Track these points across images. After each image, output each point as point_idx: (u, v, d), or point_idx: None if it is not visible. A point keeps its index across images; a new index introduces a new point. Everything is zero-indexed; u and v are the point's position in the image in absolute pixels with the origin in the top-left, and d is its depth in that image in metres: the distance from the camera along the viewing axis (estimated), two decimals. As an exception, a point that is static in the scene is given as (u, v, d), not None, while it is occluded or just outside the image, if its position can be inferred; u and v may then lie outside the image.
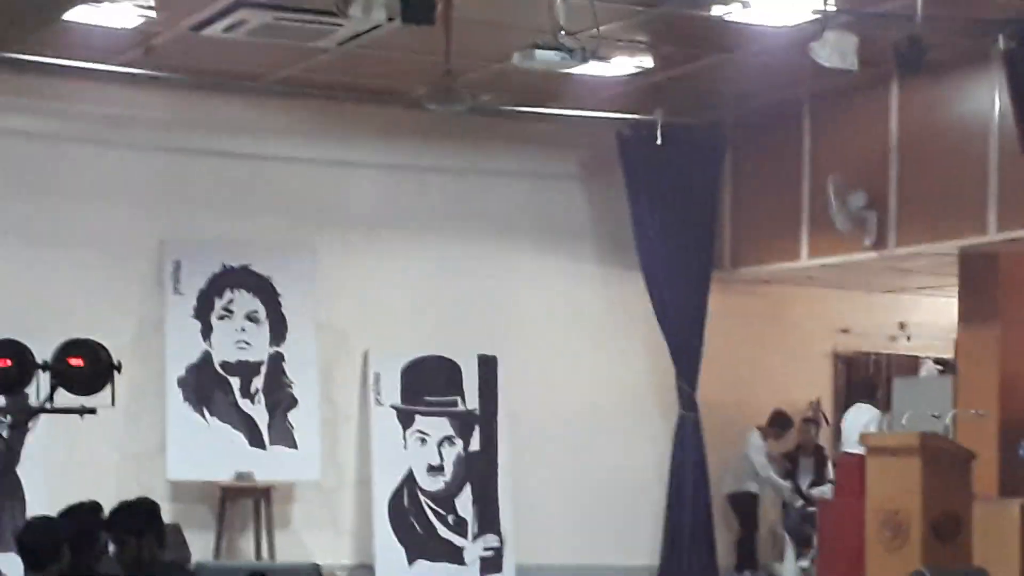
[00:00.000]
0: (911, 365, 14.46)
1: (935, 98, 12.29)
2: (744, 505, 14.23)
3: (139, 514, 7.14)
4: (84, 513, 7.21)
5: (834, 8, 10.08)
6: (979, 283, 12.68)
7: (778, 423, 14.13)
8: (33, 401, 8.70)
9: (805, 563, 13.63)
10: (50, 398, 8.44)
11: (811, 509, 13.64)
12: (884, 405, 13.14)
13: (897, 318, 15.05)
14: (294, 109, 13.52)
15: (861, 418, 13.21)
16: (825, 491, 13.26)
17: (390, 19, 9.56)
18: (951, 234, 12.18)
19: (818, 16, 10.13)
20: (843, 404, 14.27)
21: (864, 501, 12.04)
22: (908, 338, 14.83)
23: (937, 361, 13.72)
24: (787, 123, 13.62)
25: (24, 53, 11.54)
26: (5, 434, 9.90)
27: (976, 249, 12.23)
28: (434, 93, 10.55)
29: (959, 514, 11.35)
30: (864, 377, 14.51)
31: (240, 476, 12.67)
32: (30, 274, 12.45)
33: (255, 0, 10.75)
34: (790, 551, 14.01)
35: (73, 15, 10.25)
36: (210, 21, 11.18)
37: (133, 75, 12.73)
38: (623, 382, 14.28)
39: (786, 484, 13.91)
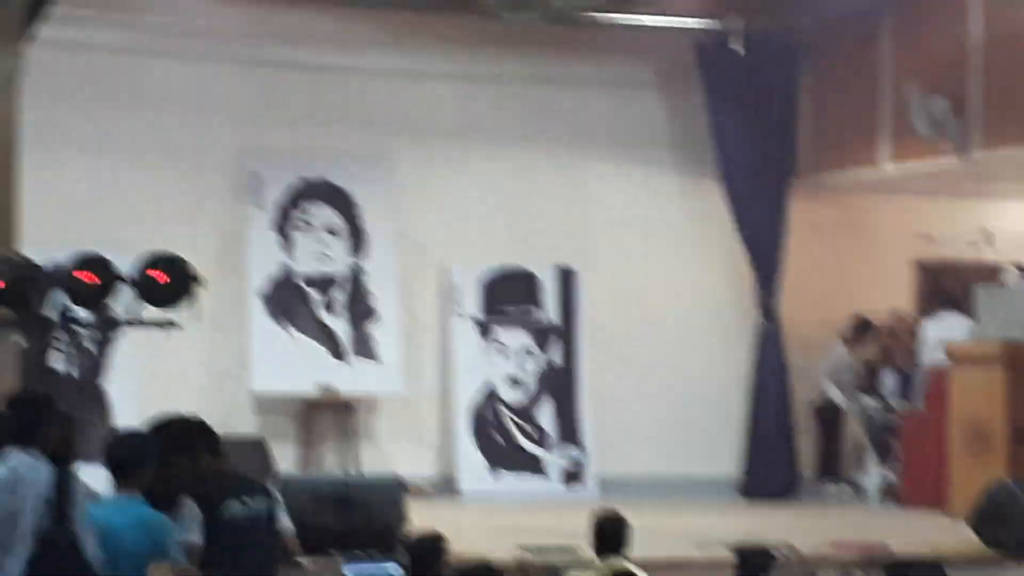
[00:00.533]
0: (995, 273, 13.95)
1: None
2: (827, 415, 14.19)
3: (182, 432, 7.14)
4: (172, 426, 7.14)
5: None
6: None
7: (860, 328, 14.00)
8: (117, 314, 8.78)
9: (888, 473, 13.59)
10: (133, 312, 8.67)
11: (894, 419, 13.64)
12: (968, 314, 13.03)
13: (980, 225, 14.69)
14: (372, 20, 13.48)
15: (945, 327, 13.16)
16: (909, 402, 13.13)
17: None
18: None
19: None
20: (925, 313, 14.20)
21: (947, 411, 12.12)
22: (992, 245, 14.47)
23: (1021, 268, 13.45)
24: (867, 28, 13.50)
25: None
26: (92, 347, 10.43)
27: None
28: (508, 1, 10.89)
29: None
30: (947, 286, 14.28)
31: (323, 389, 12.83)
32: (112, 188, 12.58)
33: None
34: (873, 461, 13.97)
35: None
36: None
37: None
38: (703, 292, 14.30)
39: (860, 398, 13.71)
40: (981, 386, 11.82)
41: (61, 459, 6.38)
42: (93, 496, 6.76)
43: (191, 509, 6.81)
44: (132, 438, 7.05)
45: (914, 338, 14.09)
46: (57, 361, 9.40)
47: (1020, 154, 12.46)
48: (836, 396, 14.11)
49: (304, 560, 8.01)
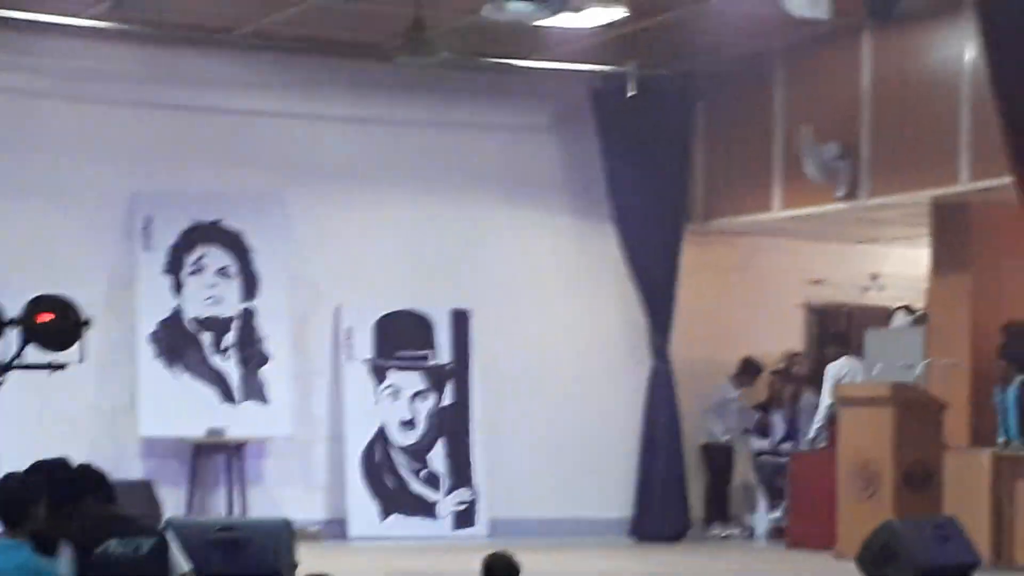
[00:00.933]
0: (883, 316, 14.23)
1: (907, 48, 12.26)
2: (717, 457, 14.33)
3: (80, 479, 6.48)
4: (55, 469, 6.50)
5: None
6: (951, 233, 12.67)
7: (747, 370, 14.20)
8: (2, 357, 8.53)
9: (777, 515, 13.70)
10: (19, 354, 8.44)
11: (783, 460, 13.75)
12: (858, 356, 13.23)
13: (869, 269, 14.91)
14: (264, 62, 13.51)
15: (838, 370, 13.37)
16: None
17: None
18: (923, 184, 12.19)
19: None
20: (815, 356, 14.42)
21: (836, 453, 12.33)
22: (880, 289, 14.72)
23: (909, 311, 13.60)
24: (759, 74, 13.65)
25: None
26: None
27: (948, 199, 12.24)
28: (405, 45, 10.66)
29: (930, 464, 11.63)
30: (836, 328, 14.65)
31: (212, 432, 12.73)
32: (0, 229, 12.37)
33: None
34: (762, 503, 14.17)
35: None
36: None
37: (102, 29, 12.67)
38: (596, 335, 14.36)
39: (749, 438, 14.00)
40: (870, 427, 11.98)
41: None
42: None
43: (66, 552, 6.19)
44: (19, 483, 6.31)
45: (805, 380, 14.31)
46: None
47: (908, 200, 12.52)
48: (721, 435, 14.24)
49: (194, 604, 8.21)
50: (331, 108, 13.64)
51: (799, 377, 14.35)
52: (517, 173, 14.13)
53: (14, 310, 8.19)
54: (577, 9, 11.36)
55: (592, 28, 12.42)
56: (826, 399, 13.46)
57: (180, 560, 6.78)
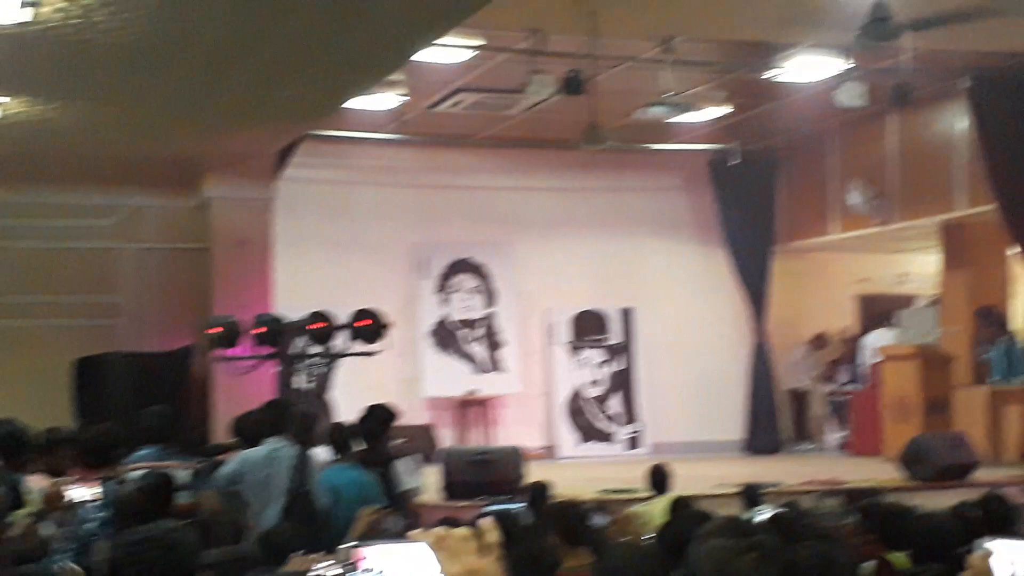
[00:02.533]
0: (910, 301, 14.68)
1: (918, 122, 12.58)
2: (799, 397, 14.84)
3: (377, 417, 7.80)
4: (377, 412, 7.85)
5: (850, 65, 10.43)
6: (954, 244, 13.05)
7: (818, 341, 14.73)
8: (336, 349, 9.54)
9: (843, 433, 14.16)
10: (348, 347, 9.47)
11: (846, 398, 14.15)
12: (889, 327, 13.69)
13: (900, 270, 15.21)
14: (495, 154, 14.21)
15: (880, 337, 13.64)
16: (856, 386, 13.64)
17: (555, 94, 10.08)
18: (933, 212, 12.72)
19: (838, 72, 10.57)
20: (865, 330, 14.66)
21: (881, 391, 12.82)
22: (908, 283, 15.05)
23: (929, 297, 14.06)
24: (819, 144, 14.02)
25: (321, 129, 12.00)
26: (321, 371, 10.47)
27: (950, 222, 12.77)
28: (584, 138, 10.98)
29: (945, 397, 12.19)
30: (880, 311, 14.62)
31: (469, 392, 13.63)
32: (334, 268, 13.00)
33: (469, 87, 11.47)
34: (832, 426, 14.71)
35: (352, 103, 10.57)
36: (440, 101, 11.92)
37: (389, 139, 13.46)
38: (716, 322, 14.79)
39: (821, 384, 14.28)
40: (904, 374, 12.41)
41: (302, 443, 6.87)
42: (323, 465, 7.20)
43: (407, 463, 7.66)
44: (348, 428, 7.70)
45: (857, 346, 14.44)
46: (299, 380, 9.69)
47: (924, 223, 12.93)
48: (801, 382, 14.75)
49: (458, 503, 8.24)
50: (538, 182, 14.22)
51: (853, 341, 14.55)
52: (661, 218, 14.72)
53: (344, 318, 9.26)
54: (697, 109, 12.17)
55: (708, 121, 13.05)
56: (867, 357, 13.74)
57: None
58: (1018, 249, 11.87)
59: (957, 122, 11.99)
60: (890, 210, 12.98)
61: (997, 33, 9.93)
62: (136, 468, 6.22)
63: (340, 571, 3.14)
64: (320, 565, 3.49)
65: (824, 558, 2.36)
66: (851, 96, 10.40)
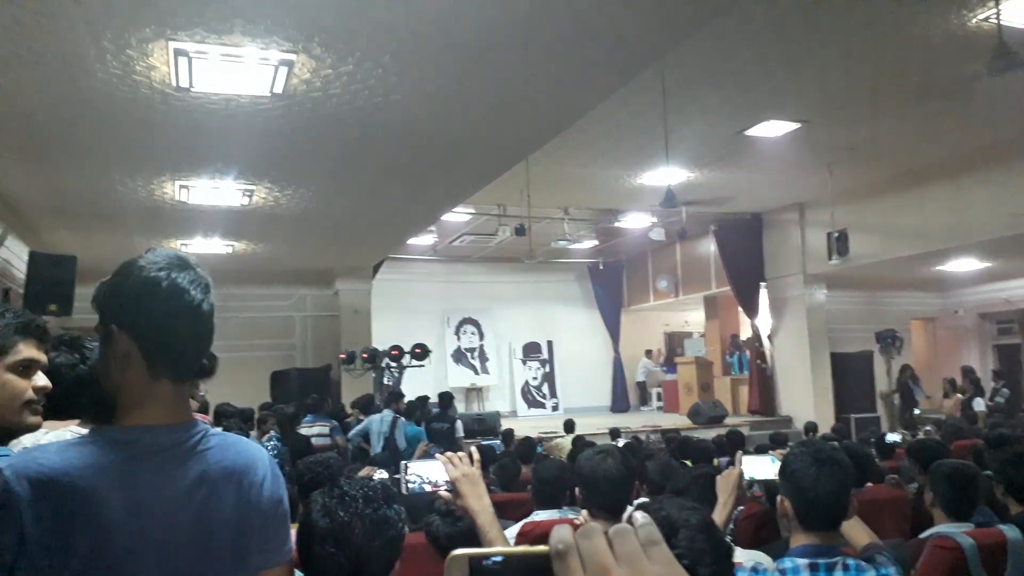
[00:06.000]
0: (691, 335, 13.39)
1: (692, 247, 11.96)
2: (640, 384, 14.01)
3: (446, 397, 7.91)
4: (445, 395, 7.82)
5: (655, 218, 9.59)
6: (711, 306, 12.18)
7: (648, 355, 13.66)
8: (405, 363, 9.35)
9: (660, 403, 13.10)
10: (410, 363, 9.38)
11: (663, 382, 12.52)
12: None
13: (685, 319, 14.33)
14: (484, 265, 13.75)
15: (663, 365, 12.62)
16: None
17: (511, 235, 9.29)
18: (700, 290, 12.09)
19: (649, 224, 9.65)
20: (670, 352, 13.84)
21: (678, 379, 11.79)
22: (689, 326, 13.98)
23: None
24: (643, 258, 13.36)
25: (394, 253, 11.52)
26: (396, 374, 9.69)
27: (709, 295, 12.17)
28: (527, 256, 9.97)
29: (709, 382, 11.55)
30: (676, 341, 13.58)
31: (472, 384, 13.51)
32: (402, 323, 12.28)
33: (469, 231, 11.03)
34: (656, 398, 13.46)
35: (409, 240, 9.96)
36: (455, 239, 11.80)
37: (429, 259, 13.14)
38: (594, 346, 13.98)
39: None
40: (689, 370, 11.70)
41: (394, 412, 6.93)
42: (403, 424, 7.04)
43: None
44: (411, 404, 7.55)
45: (665, 359, 13.72)
46: (384, 378, 9.42)
47: (696, 296, 12.24)
48: (640, 377, 13.80)
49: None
50: (504, 278, 13.63)
51: (667, 355, 13.64)
52: (566, 295, 14.33)
53: (407, 348, 8.99)
54: (581, 242, 11.87)
55: (587, 247, 12.86)
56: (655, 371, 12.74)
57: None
58: (741, 309, 11.76)
59: (710, 246, 11.90)
60: (678, 289, 13.05)
61: (729, 205, 10.18)
62: (306, 427, 6.39)
63: (389, 474, 2.99)
64: (382, 472, 3.30)
65: (663, 464, 2.76)
66: (658, 234, 10.01)
